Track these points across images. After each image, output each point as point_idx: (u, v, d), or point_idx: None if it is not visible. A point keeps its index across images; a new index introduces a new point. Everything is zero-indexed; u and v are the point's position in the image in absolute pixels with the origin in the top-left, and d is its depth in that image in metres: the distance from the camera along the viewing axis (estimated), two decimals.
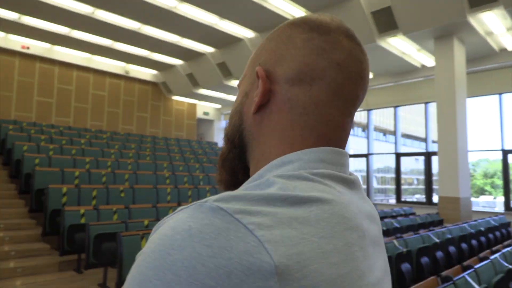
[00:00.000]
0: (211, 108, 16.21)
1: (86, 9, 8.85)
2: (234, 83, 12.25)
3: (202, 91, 13.36)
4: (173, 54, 11.63)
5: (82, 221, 5.10)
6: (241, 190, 0.36)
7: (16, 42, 10.84)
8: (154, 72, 13.88)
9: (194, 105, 15.55)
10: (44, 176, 6.42)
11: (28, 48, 11.01)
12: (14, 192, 6.98)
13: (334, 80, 0.45)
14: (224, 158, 0.52)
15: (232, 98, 14.37)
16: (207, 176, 8.71)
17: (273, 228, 0.31)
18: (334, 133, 0.45)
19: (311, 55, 0.45)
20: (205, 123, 16.64)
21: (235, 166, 0.51)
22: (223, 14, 8.78)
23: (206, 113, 15.92)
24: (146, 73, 13.74)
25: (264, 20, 9.11)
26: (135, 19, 9.23)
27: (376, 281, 0.38)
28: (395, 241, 4.03)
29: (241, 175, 0.51)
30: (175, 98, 14.81)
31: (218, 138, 16.28)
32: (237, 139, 0.50)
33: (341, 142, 0.46)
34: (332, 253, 0.33)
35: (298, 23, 0.48)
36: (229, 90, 13.01)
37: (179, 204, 6.33)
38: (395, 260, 3.74)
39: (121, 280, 3.62)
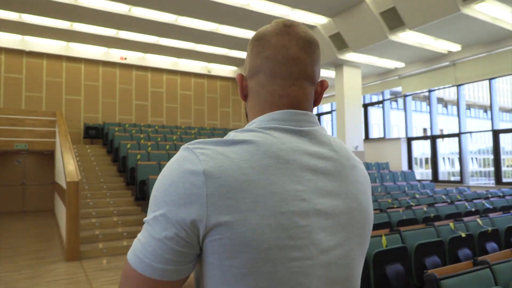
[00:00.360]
0: None
1: (170, 18, 9.77)
2: None
3: None
4: (246, 48, 12.11)
5: None
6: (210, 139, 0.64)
7: (115, 55, 12.41)
8: (233, 68, 14.62)
9: None
10: (145, 169, 7.39)
11: (125, 58, 12.53)
12: (122, 184, 8.15)
13: (268, 68, 0.70)
14: None
15: None
16: None
17: (210, 155, 0.60)
18: (280, 100, 0.70)
19: (253, 57, 0.72)
20: None
21: None
22: (293, 4, 8.93)
23: None
24: (226, 70, 14.54)
25: (336, 5, 9.03)
26: (212, 21, 9.90)
27: (303, 191, 0.60)
28: (478, 220, 3.85)
29: None
30: None
31: None
32: (245, 117, 0.76)
33: (293, 104, 0.70)
34: (246, 168, 0.59)
35: (251, 38, 0.74)
36: None
37: None
38: (477, 239, 3.60)
39: None
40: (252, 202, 0.57)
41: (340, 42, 10.28)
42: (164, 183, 0.60)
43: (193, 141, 0.63)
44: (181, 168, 0.59)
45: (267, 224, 0.56)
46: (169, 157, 8.54)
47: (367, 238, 0.69)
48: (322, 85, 0.74)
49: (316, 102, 0.75)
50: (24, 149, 10.21)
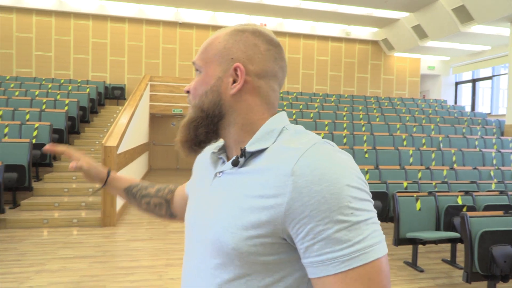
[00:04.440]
0: (437, 61, 14.57)
1: None
2: (475, 29, 10.50)
3: (430, 43, 12.11)
4: (399, 6, 10.89)
5: None
6: (299, 137, 0.63)
7: (256, 22, 12.55)
8: (374, 29, 13.45)
9: (417, 60, 14.35)
10: None
11: (265, 25, 12.59)
12: None
13: (280, 77, 0.73)
14: (195, 123, 0.71)
15: (467, 47, 12.41)
16: (448, 137, 7.99)
17: None
18: (276, 103, 0.73)
19: (270, 61, 0.70)
20: (429, 79, 15.18)
21: (208, 129, 0.70)
22: None
23: (431, 68, 14.45)
24: (366, 32, 13.48)
25: None
26: None
27: None
28: None
29: (204, 135, 0.71)
30: (397, 54, 14.02)
31: (446, 94, 14.59)
32: (217, 110, 0.69)
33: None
34: None
35: (258, 34, 0.71)
36: (465, 38, 11.29)
37: (426, 168, 6.09)
38: None
39: (398, 235, 3.82)
40: None
41: None
42: (349, 178, 0.60)
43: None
44: None
45: None
46: (316, 125, 8.38)
47: None
48: None
49: None
50: (179, 114, 11.31)
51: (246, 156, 0.66)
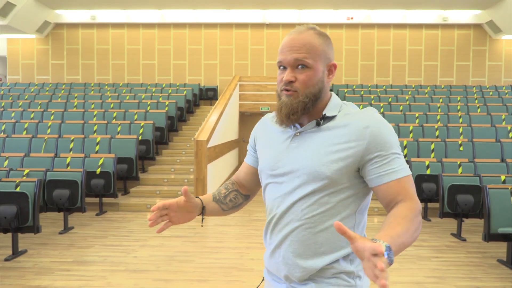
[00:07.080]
0: None
1: None
2: None
3: None
4: None
5: (428, 172, 5.32)
6: (352, 108, 1.02)
7: (342, 15, 12.34)
8: (477, 12, 12.12)
9: None
10: None
11: (352, 18, 12.30)
12: None
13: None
14: (307, 105, 0.98)
15: None
16: None
17: None
18: None
19: (333, 53, 1.04)
20: None
21: (310, 106, 0.98)
22: None
23: None
24: (467, 16, 12.22)
25: None
26: None
27: None
28: None
29: (305, 111, 0.99)
30: (505, 37, 12.41)
31: None
32: (320, 94, 0.99)
33: None
34: None
35: (329, 37, 1.02)
36: None
37: None
38: None
39: (489, 230, 3.53)
40: None
41: None
42: (394, 133, 0.96)
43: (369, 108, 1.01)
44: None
45: None
46: (405, 118, 7.97)
47: None
48: None
49: None
50: (266, 111, 11.73)
51: (324, 119, 0.99)
